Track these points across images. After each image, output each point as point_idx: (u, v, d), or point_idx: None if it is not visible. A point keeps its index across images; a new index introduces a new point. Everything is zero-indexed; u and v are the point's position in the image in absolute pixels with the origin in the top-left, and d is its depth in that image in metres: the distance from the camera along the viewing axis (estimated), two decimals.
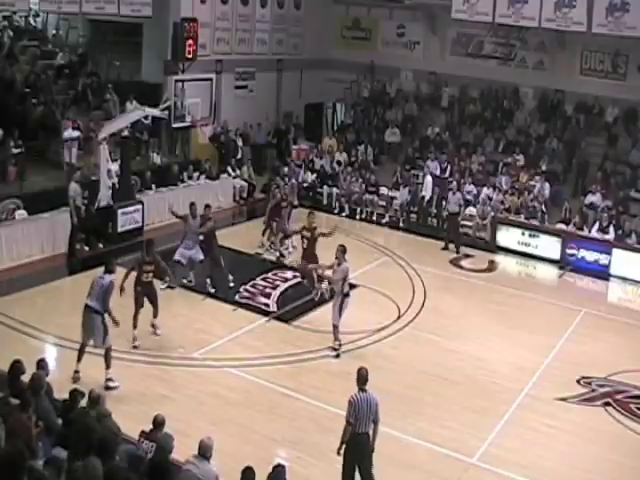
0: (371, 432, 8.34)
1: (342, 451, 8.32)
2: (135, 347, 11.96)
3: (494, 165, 21.73)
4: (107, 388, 10.54)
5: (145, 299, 12.33)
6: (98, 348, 10.84)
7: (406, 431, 10.32)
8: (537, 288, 16.79)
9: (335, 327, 12.36)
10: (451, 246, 18.40)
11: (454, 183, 19.42)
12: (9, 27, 22.62)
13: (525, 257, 18.44)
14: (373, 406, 8.23)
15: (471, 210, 19.74)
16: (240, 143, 22.40)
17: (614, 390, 11.97)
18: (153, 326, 12.51)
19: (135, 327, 12.07)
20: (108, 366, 10.79)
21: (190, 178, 20.08)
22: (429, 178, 20.31)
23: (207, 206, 15.01)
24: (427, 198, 20.27)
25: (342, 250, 12.30)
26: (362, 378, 8.28)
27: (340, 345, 12.42)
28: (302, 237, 14.41)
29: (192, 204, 14.78)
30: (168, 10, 20.36)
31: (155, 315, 12.49)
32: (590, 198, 19.25)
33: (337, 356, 12.31)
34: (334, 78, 25.76)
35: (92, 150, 17.91)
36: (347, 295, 12.33)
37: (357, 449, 8.31)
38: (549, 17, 19.79)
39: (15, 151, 17.01)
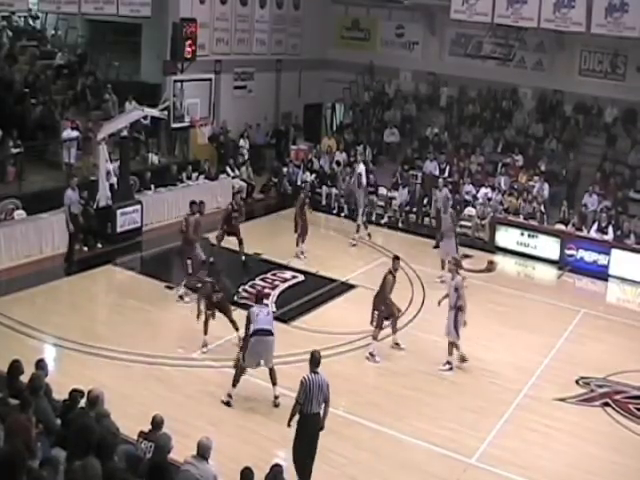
0: (321, 412, 8.69)
1: (292, 426, 8.72)
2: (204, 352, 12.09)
3: (493, 165, 21.75)
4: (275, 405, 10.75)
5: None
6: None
7: (405, 431, 10.32)
8: (536, 288, 16.80)
9: (451, 344, 12.20)
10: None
11: (440, 180, 19.18)
12: (8, 27, 22.59)
13: (524, 257, 18.45)
14: (324, 387, 8.62)
15: (470, 210, 19.75)
16: (246, 145, 22.40)
17: (613, 390, 11.97)
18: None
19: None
20: (274, 383, 10.83)
21: (189, 178, 20.09)
22: (362, 166, 20.37)
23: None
24: (370, 182, 20.45)
25: (455, 263, 12.39)
26: (315, 361, 8.68)
27: (449, 363, 12.27)
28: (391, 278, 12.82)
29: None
30: (167, 10, 20.38)
31: (235, 328, 12.20)
32: (586, 199, 19.28)
33: (450, 369, 12.18)
34: (333, 78, 25.79)
35: (91, 150, 17.93)
36: (460, 309, 12.16)
37: (307, 429, 8.67)
38: (548, 17, 19.80)
39: (14, 151, 17.02)
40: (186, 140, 21.32)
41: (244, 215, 16.97)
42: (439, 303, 12.67)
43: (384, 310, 12.62)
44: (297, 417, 8.70)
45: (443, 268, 16.33)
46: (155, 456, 6.90)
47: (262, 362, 10.71)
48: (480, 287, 16.21)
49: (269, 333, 10.61)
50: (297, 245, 17.13)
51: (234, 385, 10.69)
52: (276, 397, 10.77)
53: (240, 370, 10.69)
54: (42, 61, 21.33)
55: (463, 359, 12.36)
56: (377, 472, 9.39)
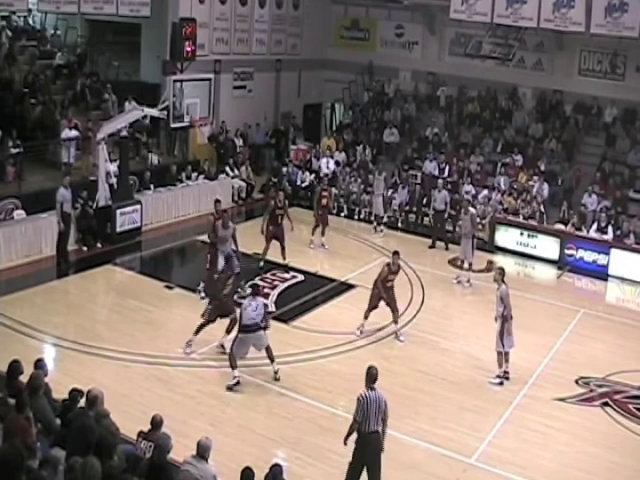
0: (380, 430, 8.35)
1: (348, 444, 8.34)
2: (187, 353, 11.96)
3: (493, 165, 21.75)
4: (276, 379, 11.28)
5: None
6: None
7: (404, 431, 10.31)
8: (536, 288, 16.76)
9: (499, 354, 11.85)
10: (440, 244, 18.51)
11: (440, 182, 19.33)
12: (7, 27, 22.57)
13: (524, 257, 18.43)
14: (382, 405, 8.27)
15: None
16: (240, 143, 22.44)
17: (612, 390, 11.97)
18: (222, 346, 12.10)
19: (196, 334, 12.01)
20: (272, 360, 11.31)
21: (189, 178, 20.10)
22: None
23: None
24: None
25: (500, 272, 12.19)
26: (372, 377, 8.30)
27: (505, 373, 11.88)
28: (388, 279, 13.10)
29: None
30: (167, 10, 20.39)
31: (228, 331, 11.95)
32: (586, 199, 19.28)
33: (500, 384, 11.85)
34: (333, 78, 25.80)
35: (90, 150, 17.93)
36: (506, 319, 11.80)
37: (367, 448, 8.29)
38: (547, 17, 19.79)
39: (14, 151, 17.02)
40: (185, 140, 21.32)
41: (288, 213, 16.25)
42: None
43: (385, 296, 12.98)
44: (355, 436, 8.32)
45: (461, 268, 16.42)
46: (155, 456, 6.90)
47: (251, 348, 11.10)
48: (480, 287, 16.23)
49: (253, 328, 10.88)
50: (314, 235, 17.60)
51: (233, 368, 11.01)
52: (275, 372, 11.29)
53: (232, 357, 11.06)
54: (41, 61, 21.30)
55: (505, 375, 11.92)
56: None
